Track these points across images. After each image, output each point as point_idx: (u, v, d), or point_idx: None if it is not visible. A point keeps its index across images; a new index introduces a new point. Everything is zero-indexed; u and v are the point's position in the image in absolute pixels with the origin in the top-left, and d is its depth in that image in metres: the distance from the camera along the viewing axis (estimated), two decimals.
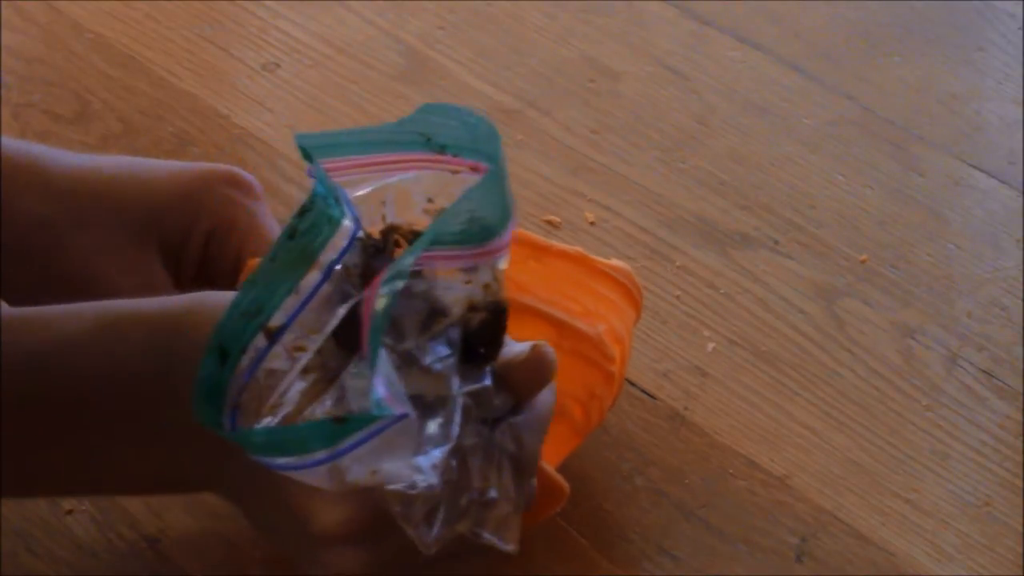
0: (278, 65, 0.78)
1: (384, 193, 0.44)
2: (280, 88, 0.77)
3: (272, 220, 0.54)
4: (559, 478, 0.49)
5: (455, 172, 0.43)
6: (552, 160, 0.74)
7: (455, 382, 0.42)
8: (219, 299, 0.44)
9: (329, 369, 0.42)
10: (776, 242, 0.71)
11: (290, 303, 0.40)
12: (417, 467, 0.40)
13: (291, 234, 0.40)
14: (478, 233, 0.42)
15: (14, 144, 0.52)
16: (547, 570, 0.57)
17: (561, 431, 0.50)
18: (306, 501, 0.42)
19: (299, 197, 0.70)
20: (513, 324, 0.46)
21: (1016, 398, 0.64)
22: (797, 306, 0.68)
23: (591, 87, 0.79)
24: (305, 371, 0.41)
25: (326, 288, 0.41)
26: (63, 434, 0.45)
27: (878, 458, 0.62)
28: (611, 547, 0.58)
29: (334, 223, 0.40)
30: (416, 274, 0.42)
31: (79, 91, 0.76)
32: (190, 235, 0.53)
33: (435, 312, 0.43)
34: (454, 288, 0.43)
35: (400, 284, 0.40)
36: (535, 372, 0.44)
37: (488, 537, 0.43)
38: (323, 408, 0.41)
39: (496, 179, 0.42)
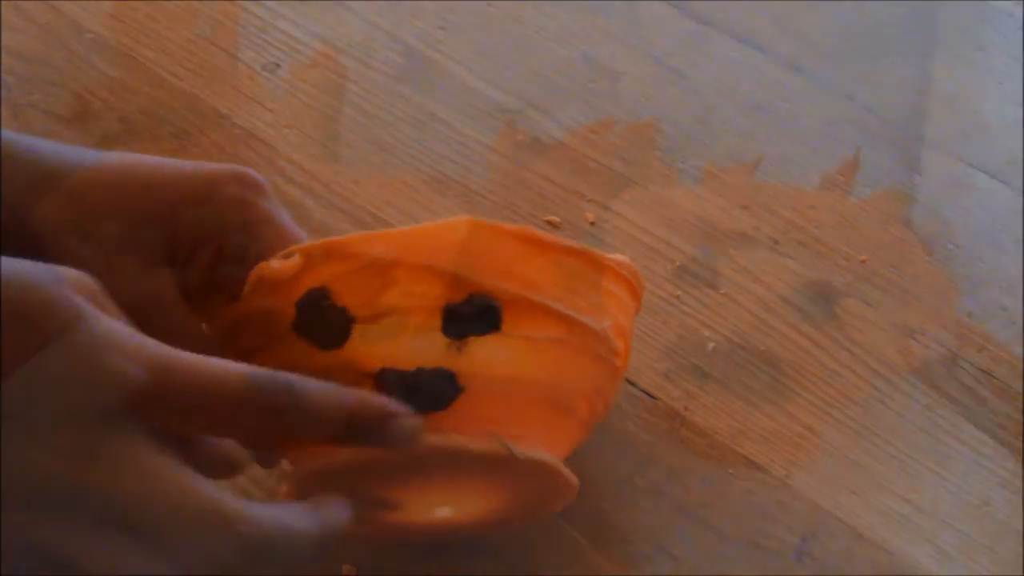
0: (278, 65, 0.78)
1: None
2: (280, 88, 0.77)
3: (286, 216, 0.53)
4: (568, 472, 0.50)
5: None
6: (552, 160, 0.74)
7: None
8: None
9: None
10: (776, 242, 0.71)
11: None
12: None
13: None
14: None
15: (16, 139, 0.50)
16: (547, 570, 0.57)
17: (568, 426, 0.50)
18: None
19: (299, 197, 0.71)
20: (524, 321, 0.46)
21: (1016, 398, 0.64)
22: (797, 306, 0.68)
23: (591, 87, 0.79)
24: None
25: None
26: None
27: (878, 458, 0.62)
28: (611, 547, 0.58)
29: None
30: None
31: (79, 91, 0.76)
32: (202, 239, 0.51)
33: None
34: None
35: None
36: None
37: None
38: None
39: None
